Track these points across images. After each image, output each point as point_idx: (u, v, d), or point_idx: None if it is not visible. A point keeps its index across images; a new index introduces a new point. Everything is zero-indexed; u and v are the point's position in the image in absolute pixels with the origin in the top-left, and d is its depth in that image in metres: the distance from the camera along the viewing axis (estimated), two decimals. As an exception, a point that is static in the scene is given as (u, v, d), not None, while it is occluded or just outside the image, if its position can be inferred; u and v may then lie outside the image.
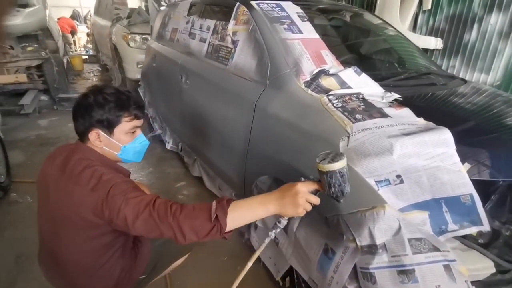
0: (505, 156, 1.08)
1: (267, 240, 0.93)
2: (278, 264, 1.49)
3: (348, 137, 1.11)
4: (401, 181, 1.03)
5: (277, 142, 1.35)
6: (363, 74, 1.39)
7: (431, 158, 1.01)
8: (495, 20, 2.71)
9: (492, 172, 1.03)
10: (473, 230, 1.03)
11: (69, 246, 1.00)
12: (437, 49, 3.12)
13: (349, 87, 1.35)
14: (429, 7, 3.12)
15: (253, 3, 1.73)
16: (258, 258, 1.64)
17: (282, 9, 1.74)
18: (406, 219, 0.98)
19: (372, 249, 0.96)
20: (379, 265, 0.96)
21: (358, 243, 0.98)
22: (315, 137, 1.20)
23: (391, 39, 2.16)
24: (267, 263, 1.56)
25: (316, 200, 0.86)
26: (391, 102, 1.26)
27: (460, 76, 3.00)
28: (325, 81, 1.38)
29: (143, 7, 6.31)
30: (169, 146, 2.88)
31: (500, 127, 1.22)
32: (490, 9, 2.73)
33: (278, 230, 0.91)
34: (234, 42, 1.77)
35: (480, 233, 1.07)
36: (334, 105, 1.24)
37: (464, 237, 1.07)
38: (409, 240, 0.94)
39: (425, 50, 3.23)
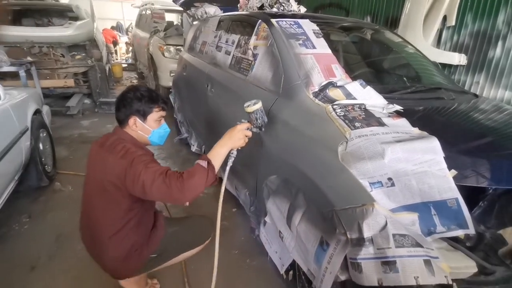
0: (493, 164, 1.14)
1: (227, 168, 1.40)
2: (283, 258, 1.61)
3: (347, 142, 1.23)
4: (392, 184, 1.14)
5: (285, 145, 1.50)
6: (368, 87, 1.51)
7: (420, 164, 1.11)
8: (520, 38, 2.69)
9: (478, 179, 1.11)
10: (459, 232, 1.11)
11: (96, 206, 1.31)
12: (461, 65, 3.12)
13: (354, 98, 1.47)
14: (453, 23, 3.14)
15: (273, 20, 1.92)
16: (266, 253, 1.79)
17: (299, 26, 1.91)
18: (393, 217, 1.09)
19: (360, 242, 1.08)
20: (365, 256, 1.07)
21: (348, 236, 1.10)
22: (318, 142, 1.34)
23: (408, 56, 2.25)
24: (273, 257, 1.69)
25: (249, 133, 1.36)
26: (390, 113, 1.37)
27: (484, 92, 2.98)
28: (332, 92, 1.51)
29: (179, 21, 6.78)
30: (193, 148, 3.11)
31: (494, 135, 1.28)
32: (515, 26, 2.72)
33: (233, 159, 1.38)
34: (254, 56, 1.96)
35: (467, 236, 1.14)
36: (337, 113, 1.37)
37: (454, 239, 1.15)
38: (394, 235, 1.04)
39: (449, 66, 3.24)
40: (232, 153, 1.36)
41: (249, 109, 1.36)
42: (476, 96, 1.76)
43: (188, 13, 3.60)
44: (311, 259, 1.31)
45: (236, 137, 1.31)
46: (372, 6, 4.14)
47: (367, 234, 1.06)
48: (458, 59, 3.10)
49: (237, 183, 2.21)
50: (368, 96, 1.49)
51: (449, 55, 3.15)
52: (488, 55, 2.95)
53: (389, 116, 1.34)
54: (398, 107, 1.42)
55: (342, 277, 1.18)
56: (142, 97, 1.34)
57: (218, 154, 1.27)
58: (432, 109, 1.55)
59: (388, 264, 1.02)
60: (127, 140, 1.33)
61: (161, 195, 1.17)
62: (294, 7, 2.60)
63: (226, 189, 2.45)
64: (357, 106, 1.41)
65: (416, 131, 1.24)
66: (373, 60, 2.28)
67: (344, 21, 2.55)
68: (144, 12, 6.68)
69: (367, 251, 1.07)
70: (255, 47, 1.97)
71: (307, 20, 1.99)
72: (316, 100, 1.49)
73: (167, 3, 6.78)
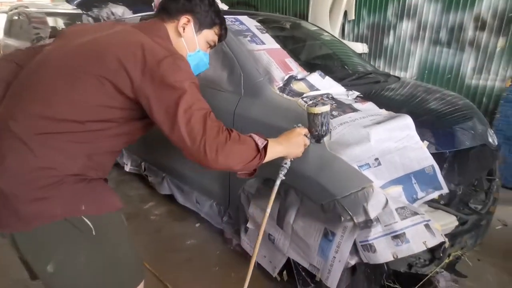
0: (447, 132, 1.35)
1: (278, 182, 1.08)
2: (274, 260, 1.57)
3: (330, 132, 1.26)
4: (379, 163, 1.22)
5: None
6: (327, 77, 1.58)
7: (400, 140, 1.22)
8: (406, 27, 3.27)
9: (440, 146, 1.29)
10: (436, 194, 1.27)
11: (63, 97, 0.80)
12: (364, 53, 3.59)
13: (317, 89, 1.52)
14: (353, 17, 3.60)
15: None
16: (249, 261, 1.71)
17: (242, 23, 1.86)
18: (387, 193, 1.17)
19: (368, 223, 1.12)
20: (376, 236, 1.12)
21: (355, 220, 1.13)
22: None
23: (336, 47, 2.45)
24: (262, 262, 1.62)
25: (307, 142, 1.09)
26: (355, 99, 1.47)
27: (385, 74, 3.52)
28: (296, 86, 1.53)
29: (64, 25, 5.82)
30: (128, 168, 2.74)
31: (435, 110, 1.52)
32: (401, 17, 3.28)
33: (286, 171, 1.08)
34: (200, 56, 1.82)
35: (440, 196, 1.31)
36: (310, 105, 1.39)
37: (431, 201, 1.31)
38: (396, 209, 1.12)
39: (354, 54, 3.71)
40: (285, 163, 1.07)
41: (316, 110, 1.04)
42: (398, 78, 2.04)
43: (89, 15, 3.11)
44: (314, 253, 1.30)
45: (295, 142, 1.03)
46: (280, 3, 4.39)
47: (373, 214, 1.11)
48: (362, 48, 3.56)
49: (197, 196, 2.04)
50: (329, 86, 1.55)
51: (354, 45, 3.59)
52: (384, 43, 3.49)
53: (356, 102, 1.43)
54: (357, 93, 1.53)
55: (352, 262, 1.21)
56: (214, 4, 1.01)
57: (273, 149, 0.95)
58: (379, 91, 1.72)
59: (399, 237, 1.09)
60: (164, 39, 0.92)
61: (188, 136, 0.79)
62: (220, 5, 2.53)
63: (180, 206, 2.26)
64: (325, 96, 1.46)
65: (384, 112, 1.36)
66: (309, 53, 2.41)
67: (272, 17, 2.61)
68: (16, 18, 5.49)
69: (376, 230, 1.12)
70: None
71: (245, 16, 1.95)
72: (285, 95, 1.47)
73: (46, 6, 5.74)
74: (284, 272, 1.60)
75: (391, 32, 3.39)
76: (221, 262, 1.83)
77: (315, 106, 1.06)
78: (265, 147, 0.91)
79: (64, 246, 0.81)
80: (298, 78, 1.56)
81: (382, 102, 1.46)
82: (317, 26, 2.64)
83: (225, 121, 1.64)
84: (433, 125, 1.35)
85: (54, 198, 0.78)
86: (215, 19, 1.02)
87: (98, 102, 0.81)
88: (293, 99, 1.45)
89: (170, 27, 0.97)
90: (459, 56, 3.01)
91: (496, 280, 1.61)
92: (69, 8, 5.25)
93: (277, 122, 1.40)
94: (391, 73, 3.44)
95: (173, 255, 1.88)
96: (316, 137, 1.11)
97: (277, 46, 1.76)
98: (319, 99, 1.43)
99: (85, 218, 0.82)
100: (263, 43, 1.74)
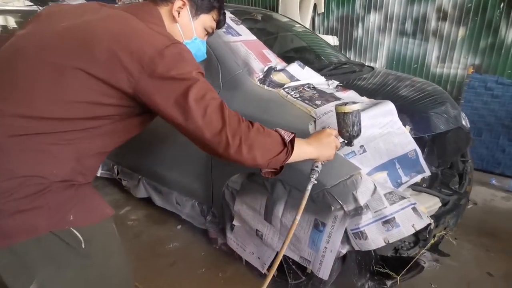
0: (422, 117, 1.38)
1: (309, 186, 0.99)
2: (263, 256, 1.53)
3: (315, 121, 1.24)
4: (364, 150, 1.22)
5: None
6: (306, 67, 1.56)
7: (383, 127, 1.23)
8: (374, 19, 3.36)
9: (420, 130, 1.32)
10: (419, 177, 1.30)
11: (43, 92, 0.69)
12: (335, 45, 3.64)
13: (297, 80, 1.50)
14: (323, 10, 3.64)
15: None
16: (236, 260, 1.66)
17: (215, 15, 1.79)
18: (374, 180, 1.17)
19: (358, 211, 1.12)
20: (366, 222, 1.12)
21: (345, 209, 1.12)
22: (283, 126, 1.29)
23: (310, 38, 2.45)
24: (250, 259, 1.58)
25: (339, 143, 1.01)
26: (336, 88, 1.47)
27: (356, 66, 3.61)
28: (276, 77, 1.50)
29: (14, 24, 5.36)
30: (99, 173, 2.57)
31: (412, 96, 1.55)
32: (369, 9, 3.36)
33: (317, 174, 0.99)
34: (173, 50, 1.73)
35: (422, 179, 1.35)
36: (293, 96, 1.36)
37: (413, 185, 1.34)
38: (384, 195, 1.12)
39: (325, 47, 3.75)
40: (316, 167, 0.99)
41: (347, 109, 0.96)
42: (372, 68, 2.08)
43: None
44: (305, 245, 1.28)
45: (327, 143, 0.96)
46: (249, -2, 4.34)
47: (362, 201, 1.11)
48: (332, 40, 3.61)
49: (177, 196, 1.95)
50: (308, 76, 1.54)
51: (325, 38, 3.63)
52: (353, 35, 3.56)
53: (338, 91, 1.42)
54: (336, 82, 1.53)
55: (344, 250, 1.21)
56: None
57: (302, 148, 0.89)
58: (358, 80, 1.74)
59: (389, 222, 1.10)
60: (159, 25, 0.82)
61: (206, 128, 0.72)
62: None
63: (159, 209, 2.16)
64: (306, 86, 1.44)
65: (365, 99, 1.36)
66: (284, 45, 2.39)
67: (243, 8, 2.56)
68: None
69: (367, 217, 1.12)
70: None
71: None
72: (266, 87, 1.44)
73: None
74: (274, 267, 1.57)
75: (360, 24, 3.46)
76: (207, 263, 1.77)
77: (345, 105, 0.97)
78: (292, 142, 0.85)
79: (50, 262, 0.71)
80: (278, 69, 1.53)
81: (362, 90, 1.47)
82: (289, 18, 2.63)
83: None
84: (411, 110, 1.38)
85: (38, 209, 0.68)
86: (214, 3, 0.92)
87: (88, 99, 0.70)
88: (274, 90, 1.41)
89: (163, 10, 0.85)
90: (424, 46, 3.14)
91: (473, 256, 1.70)
92: (21, 5, 4.83)
93: (260, 114, 1.36)
94: (362, 64, 3.55)
95: (155, 260, 1.79)
96: (347, 139, 1.01)
97: (253, 37, 1.72)
98: (301, 89, 1.41)
99: (74, 230, 0.72)
100: (239, 35, 1.69)
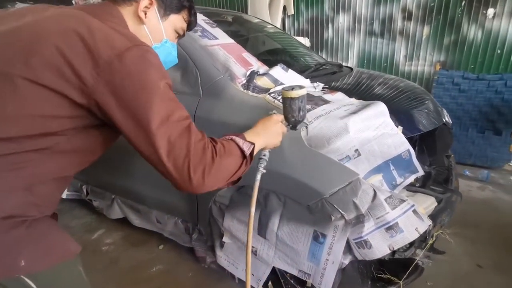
0: (411, 116, 1.37)
1: (259, 176, 0.95)
2: (257, 273, 1.43)
3: (307, 126, 1.18)
4: (359, 154, 1.18)
5: (232, 149, 1.30)
6: (290, 70, 1.49)
7: (377, 128, 1.19)
8: (343, 20, 3.40)
9: (410, 130, 1.30)
10: (412, 178, 1.28)
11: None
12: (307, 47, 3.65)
13: (282, 83, 1.43)
14: (293, 12, 3.63)
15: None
16: (227, 278, 1.55)
17: (188, 18, 1.67)
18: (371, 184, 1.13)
19: (360, 219, 1.06)
20: (369, 230, 1.07)
21: (346, 218, 1.06)
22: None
23: (280, 38, 2.40)
24: (243, 276, 1.48)
25: (285, 129, 0.99)
26: (322, 90, 1.41)
27: (328, 66, 3.64)
28: (260, 81, 1.41)
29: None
30: (64, 194, 2.33)
31: (397, 96, 1.54)
32: (337, 11, 3.40)
33: (265, 163, 0.95)
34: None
35: (416, 179, 1.33)
36: (280, 101, 1.28)
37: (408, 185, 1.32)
38: (385, 200, 1.08)
39: (297, 49, 3.75)
40: (264, 155, 0.95)
41: (293, 94, 0.93)
42: (351, 68, 2.06)
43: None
44: (304, 258, 1.21)
45: (274, 132, 0.92)
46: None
47: (363, 208, 1.06)
48: (304, 42, 3.60)
49: (158, 215, 1.80)
50: (293, 79, 1.47)
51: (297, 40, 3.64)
52: (324, 36, 3.59)
53: (325, 93, 1.37)
54: (321, 84, 1.48)
55: (346, 261, 1.15)
56: None
57: (256, 145, 0.82)
58: (341, 81, 1.70)
59: (392, 227, 1.05)
60: (120, 24, 0.71)
61: (167, 156, 0.63)
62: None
63: (136, 229, 1.98)
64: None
65: (355, 100, 1.32)
66: (259, 47, 2.31)
67: (212, 10, 2.45)
68: None
69: (369, 224, 1.07)
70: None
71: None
72: (250, 92, 1.35)
73: None
74: (270, 283, 1.48)
75: (330, 25, 3.50)
76: (196, 284, 1.64)
77: (292, 90, 0.95)
78: (251, 153, 0.78)
79: None
80: (261, 73, 1.45)
81: (348, 91, 1.43)
82: (260, 19, 2.57)
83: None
84: (400, 110, 1.36)
85: None
86: (184, 2, 0.83)
87: (36, 112, 0.58)
88: (260, 96, 1.33)
89: (126, 11, 0.74)
90: (392, 45, 3.23)
91: (461, 249, 1.73)
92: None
93: (247, 122, 1.26)
94: (334, 65, 3.58)
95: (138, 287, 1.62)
96: (293, 123, 1.00)
97: (231, 40, 1.63)
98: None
99: (26, 278, 0.60)
100: (216, 38, 1.58)
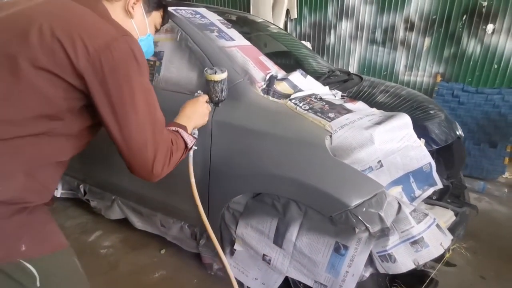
0: (432, 129, 1.38)
1: (191, 153, 1.12)
2: (268, 282, 1.40)
3: (331, 136, 1.15)
4: (381, 165, 1.17)
5: (250, 154, 1.26)
6: (308, 76, 1.47)
7: (401, 140, 1.18)
8: (345, 26, 3.42)
9: (432, 142, 1.30)
10: (431, 191, 1.28)
11: None
12: (311, 50, 3.64)
13: (301, 90, 1.40)
14: (296, 16, 3.62)
15: (171, 9, 1.53)
16: (241, 284, 1.51)
17: (203, 16, 1.62)
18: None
19: (385, 232, 1.05)
20: (394, 244, 1.06)
21: (371, 230, 1.04)
22: (295, 141, 1.19)
23: (294, 44, 2.38)
24: (253, 285, 1.44)
25: (210, 108, 1.13)
26: (342, 98, 1.40)
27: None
28: (279, 87, 1.39)
29: None
30: (58, 193, 2.22)
31: (416, 108, 1.55)
32: (340, 17, 3.42)
33: (195, 141, 1.02)
34: (157, 54, 1.53)
35: (433, 192, 1.33)
36: (303, 108, 1.26)
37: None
38: (410, 213, 1.07)
39: (298, 53, 3.74)
40: (194, 134, 1.04)
41: (217, 77, 1.09)
42: (360, 77, 2.05)
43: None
44: (322, 269, 1.19)
45: (201, 112, 1.06)
46: (218, -1, 4.17)
47: (389, 222, 1.04)
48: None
49: (162, 218, 1.74)
50: (311, 86, 1.45)
51: (298, 44, 3.64)
52: (326, 42, 3.59)
53: (345, 102, 1.35)
54: (340, 92, 1.47)
55: (367, 274, 1.14)
56: None
57: (188, 126, 0.96)
58: (356, 90, 1.69)
59: (417, 242, 1.05)
60: (106, 16, 0.73)
61: (138, 150, 0.71)
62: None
63: (136, 231, 1.90)
64: (313, 97, 1.35)
65: (376, 111, 1.31)
66: (271, 50, 2.28)
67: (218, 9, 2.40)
68: None
69: (394, 238, 1.06)
70: (154, 44, 1.53)
71: (204, 8, 1.73)
72: (270, 97, 1.32)
73: None
74: (280, 293, 1.45)
75: (332, 31, 3.51)
76: (201, 292, 1.59)
77: (215, 74, 1.09)
78: (191, 145, 0.92)
79: None
80: (279, 78, 1.42)
81: (366, 100, 1.42)
82: (269, 21, 2.54)
83: (199, 130, 1.41)
84: (422, 123, 1.36)
85: None
86: (162, 0, 0.92)
87: (35, 93, 0.60)
88: (280, 101, 1.30)
89: (114, 6, 0.78)
90: (392, 55, 3.27)
91: (464, 260, 1.75)
92: None
93: (270, 128, 1.24)
94: (334, 71, 3.60)
95: (140, 295, 1.56)
96: (216, 102, 1.16)
97: (247, 42, 1.59)
98: (308, 100, 1.32)
99: (26, 263, 0.61)
100: (233, 39, 1.54)
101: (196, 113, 1.04)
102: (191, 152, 1.11)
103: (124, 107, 0.66)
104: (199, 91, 1.17)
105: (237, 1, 4.00)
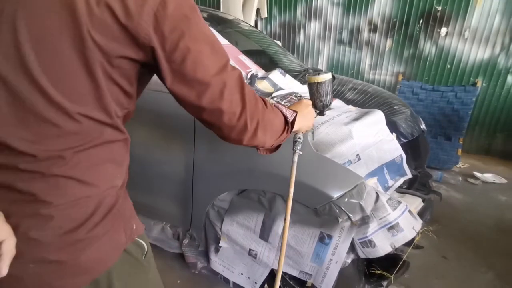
0: (401, 124, 1.50)
1: (296, 158, 0.95)
2: (254, 276, 1.44)
3: (313, 132, 1.22)
4: (359, 158, 1.25)
5: (235, 152, 1.29)
6: (287, 75, 1.52)
7: (376, 134, 1.28)
8: (314, 26, 3.54)
9: (402, 136, 1.42)
10: (401, 180, 1.40)
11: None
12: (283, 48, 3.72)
13: (281, 88, 1.45)
14: (266, 15, 3.68)
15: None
16: (217, 284, 1.53)
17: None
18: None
19: (365, 220, 1.13)
20: (373, 230, 1.14)
21: (353, 219, 1.12)
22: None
23: (265, 41, 2.42)
24: (239, 280, 1.47)
25: (314, 114, 0.99)
26: (320, 96, 1.47)
27: (298, 71, 3.75)
28: (260, 85, 1.42)
29: None
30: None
31: (386, 104, 1.66)
32: (309, 18, 3.53)
33: (300, 145, 0.96)
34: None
35: (404, 182, 1.45)
36: (285, 106, 1.31)
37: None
38: (386, 201, 1.16)
39: (268, 52, 3.81)
40: (299, 138, 0.94)
41: (321, 79, 0.93)
42: (333, 76, 2.14)
43: None
44: (307, 259, 1.25)
45: (307, 114, 0.90)
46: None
47: (368, 210, 1.13)
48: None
49: (142, 220, 1.69)
50: (290, 84, 1.51)
51: (269, 43, 3.70)
52: (295, 41, 3.70)
53: (324, 99, 1.42)
54: (317, 90, 1.53)
55: (349, 260, 1.21)
56: None
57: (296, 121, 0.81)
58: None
59: (394, 227, 1.14)
60: None
61: (227, 109, 0.60)
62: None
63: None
64: (293, 95, 1.40)
65: (352, 108, 1.40)
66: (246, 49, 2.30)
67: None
68: None
69: (373, 225, 1.15)
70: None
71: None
72: (253, 96, 1.35)
73: None
74: (266, 286, 1.49)
75: (302, 31, 3.62)
76: (185, 292, 1.58)
77: (318, 75, 0.95)
78: (293, 121, 0.78)
79: (123, 282, 0.61)
80: (260, 76, 1.46)
81: (342, 97, 1.51)
82: (240, 19, 2.56)
83: (185, 128, 1.40)
84: (391, 119, 1.47)
85: (118, 222, 0.60)
86: None
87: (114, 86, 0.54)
88: (263, 100, 1.34)
89: None
90: (358, 54, 3.46)
91: (428, 243, 1.91)
92: None
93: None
94: (304, 69, 3.71)
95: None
96: (321, 108, 1.00)
97: (226, 41, 1.60)
98: (289, 98, 1.37)
99: (139, 239, 0.65)
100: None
101: (301, 113, 0.85)
102: (295, 158, 0.95)
103: (197, 73, 0.55)
104: (298, 94, 1.02)
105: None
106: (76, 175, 0.53)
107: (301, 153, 0.96)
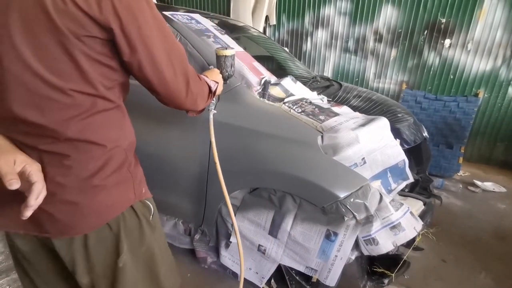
0: (400, 131, 1.58)
1: (211, 115, 1.22)
2: (261, 271, 1.52)
3: (322, 136, 1.30)
4: (364, 162, 1.34)
5: (250, 153, 1.37)
6: (298, 82, 1.62)
7: (381, 140, 1.36)
8: (321, 35, 3.65)
9: (405, 143, 1.50)
10: (404, 184, 1.48)
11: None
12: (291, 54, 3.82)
13: (292, 94, 1.54)
14: (275, 23, 3.79)
15: (167, 14, 1.61)
16: (226, 278, 1.61)
17: (198, 22, 1.71)
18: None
19: (369, 219, 1.21)
20: (377, 229, 1.22)
21: (357, 218, 1.20)
22: (290, 140, 1.32)
23: (276, 49, 2.52)
24: (247, 275, 1.55)
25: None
26: (329, 103, 1.56)
27: (305, 77, 3.85)
28: (273, 91, 1.51)
29: None
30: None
31: (390, 111, 1.75)
32: (316, 26, 3.64)
33: (214, 106, 1.23)
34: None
35: (406, 185, 1.53)
36: (296, 110, 1.40)
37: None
38: (390, 203, 1.25)
39: (276, 58, 3.91)
40: (212, 100, 1.16)
41: (228, 52, 1.16)
42: (340, 83, 2.24)
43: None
44: (314, 255, 1.33)
45: (220, 81, 1.10)
46: (198, 1, 4.23)
47: (372, 210, 1.21)
48: (284, 52, 3.79)
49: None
50: (301, 91, 1.60)
51: (276, 49, 3.80)
52: (302, 48, 3.80)
53: (332, 106, 1.51)
54: (326, 97, 1.63)
55: (353, 257, 1.29)
56: None
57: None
58: (339, 95, 1.86)
59: (396, 227, 1.22)
60: None
61: (185, 86, 0.80)
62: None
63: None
64: (304, 101, 1.49)
65: (359, 114, 1.49)
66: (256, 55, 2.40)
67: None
68: None
69: (376, 224, 1.23)
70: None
71: (198, 14, 1.81)
72: (266, 101, 1.44)
73: None
74: (272, 281, 1.57)
75: (309, 38, 3.72)
76: (197, 285, 1.66)
77: (226, 49, 1.17)
78: (215, 90, 0.99)
79: (130, 236, 0.75)
80: (273, 83, 1.55)
81: (349, 104, 1.59)
82: (247, 25, 2.65)
83: (202, 128, 1.48)
84: (395, 125, 1.56)
85: (128, 180, 0.74)
86: None
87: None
88: (275, 105, 1.43)
89: None
90: (363, 63, 3.55)
91: (428, 246, 1.99)
92: None
93: (268, 129, 1.36)
94: (310, 76, 3.81)
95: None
96: (226, 77, 1.21)
97: (240, 48, 1.70)
98: (300, 103, 1.46)
99: (147, 201, 0.80)
100: (228, 45, 1.65)
101: (221, 80, 1.11)
102: (211, 116, 1.19)
103: (158, 51, 0.70)
104: (211, 66, 1.27)
105: (217, 5, 4.09)
106: (84, 137, 0.67)
107: (215, 111, 1.22)
